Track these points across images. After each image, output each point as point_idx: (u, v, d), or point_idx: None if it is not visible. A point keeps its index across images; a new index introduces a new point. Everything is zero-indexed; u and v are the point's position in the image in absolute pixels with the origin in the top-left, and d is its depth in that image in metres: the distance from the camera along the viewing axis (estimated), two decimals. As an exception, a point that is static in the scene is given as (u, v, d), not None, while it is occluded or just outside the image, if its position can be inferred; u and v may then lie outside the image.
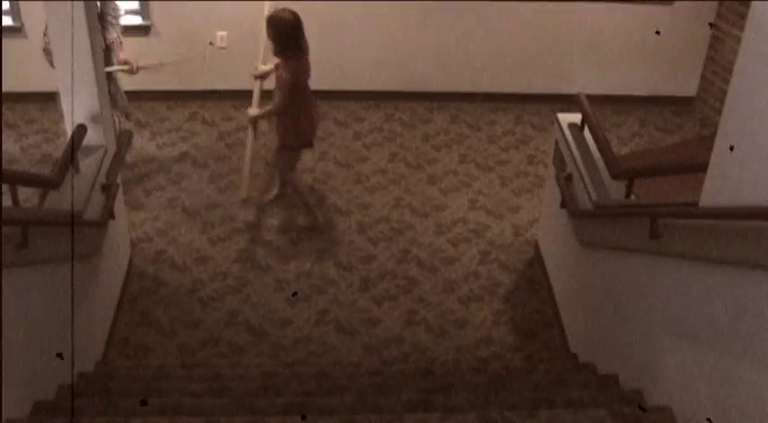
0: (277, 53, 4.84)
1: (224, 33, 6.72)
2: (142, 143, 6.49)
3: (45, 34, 4.96)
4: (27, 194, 4.82)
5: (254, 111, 5.13)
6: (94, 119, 4.36)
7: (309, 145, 5.28)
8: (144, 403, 3.05)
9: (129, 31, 6.73)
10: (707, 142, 3.13)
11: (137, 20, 6.73)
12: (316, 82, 7.31)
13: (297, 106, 4.95)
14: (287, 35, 4.75)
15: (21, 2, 6.51)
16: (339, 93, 6.98)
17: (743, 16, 6.01)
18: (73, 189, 4.02)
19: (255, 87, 5.25)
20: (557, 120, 4.78)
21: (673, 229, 3.24)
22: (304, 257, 5.25)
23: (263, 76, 5.24)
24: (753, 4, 2.67)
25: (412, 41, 6.91)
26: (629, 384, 3.56)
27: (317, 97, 7.07)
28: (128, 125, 5.83)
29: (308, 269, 5.15)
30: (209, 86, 6.95)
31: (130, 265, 5.09)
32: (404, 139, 6.62)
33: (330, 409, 3.31)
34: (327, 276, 5.10)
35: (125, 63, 5.51)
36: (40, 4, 4.14)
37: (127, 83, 6.66)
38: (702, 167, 3.03)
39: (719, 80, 6.74)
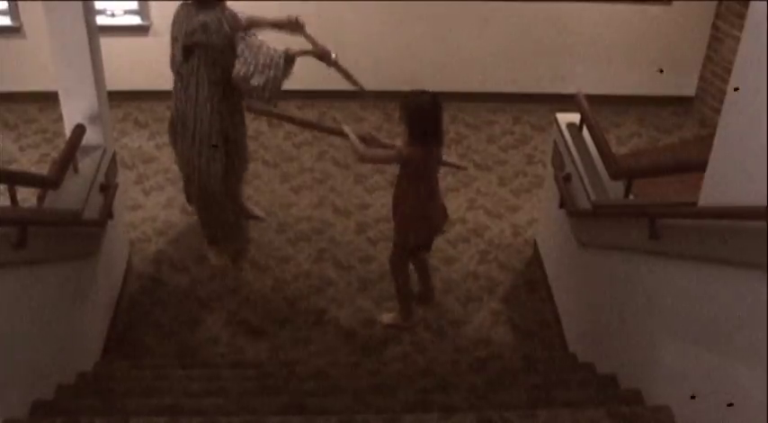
0: (406, 134, 4.16)
1: (223, 33, 6.71)
2: (141, 143, 6.49)
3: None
4: (26, 194, 4.83)
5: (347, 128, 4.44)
6: (93, 119, 4.36)
7: (425, 247, 4.55)
8: None
9: (128, 31, 6.75)
10: (706, 142, 3.13)
11: (135, 20, 6.74)
12: (315, 82, 7.33)
13: (416, 195, 4.22)
14: (417, 121, 4.08)
15: (19, 1, 6.50)
16: (338, 93, 6.97)
17: (742, 16, 6.02)
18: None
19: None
20: (555, 120, 4.78)
21: (672, 229, 3.24)
22: (302, 257, 5.25)
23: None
24: (752, 3, 2.68)
25: (411, 41, 6.91)
26: (628, 384, 3.56)
27: (316, 97, 7.10)
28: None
29: (306, 269, 5.15)
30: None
31: (129, 265, 5.09)
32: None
33: (328, 409, 3.31)
34: (326, 276, 5.10)
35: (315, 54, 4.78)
36: (39, 3, 4.14)
37: (125, 83, 6.68)
38: (701, 167, 3.03)
39: (718, 80, 6.74)
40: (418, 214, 4.26)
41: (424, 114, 4.07)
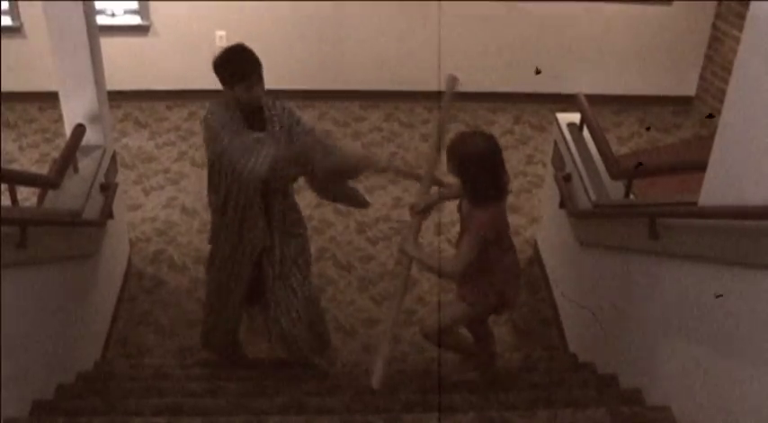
0: (466, 195, 3.29)
1: (223, 33, 6.72)
2: (141, 143, 6.49)
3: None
4: (26, 194, 4.83)
5: (410, 246, 3.34)
6: (93, 119, 4.37)
7: (495, 311, 3.58)
8: None
9: (128, 30, 6.75)
10: (706, 142, 3.13)
11: (135, 20, 6.73)
12: (316, 82, 7.33)
13: (486, 259, 3.33)
14: (478, 173, 3.15)
15: (20, 2, 6.51)
16: (339, 92, 6.99)
17: (742, 16, 6.02)
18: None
19: (414, 221, 3.53)
20: (556, 119, 4.78)
21: (672, 228, 3.24)
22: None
23: (424, 212, 3.53)
24: (752, 4, 2.68)
25: (411, 41, 6.91)
26: (629, 384, 3.56)
27: (316, 97, 7.10)
28: None
29: (307, 269, 5.15)
30: (207, 86, 6.94)
31: (129, 264, 5.08)
32: (403, 139, 6.62)
33: (328, 409, 3.31)
34: (326, 276, 5.10)
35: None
36: (39, 4, 4.14)
37: (125, 83, 6.68)
38: (701, 167, 3.04)
39: (718, 80, 6.74)
40: (497, 272, 3.41)
41: (485, 162, 3.13)
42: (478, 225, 3.20)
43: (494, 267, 3.37)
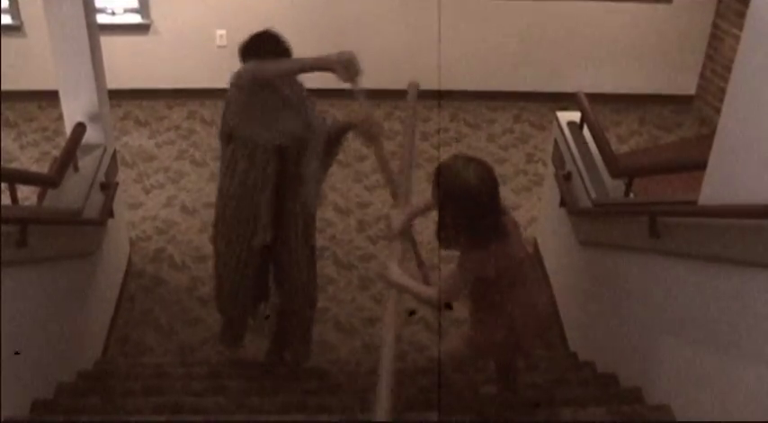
0: (455, 231, 2.69)
1: (223, 32, 6.72)
2: (141, 141, 6.49)
3: None
4: (26, 193, 4.83)
5: (395, 272, 2.81)
6: (93, 117, 4.37)
7: (501, 357, 3.20)
8: None
9: (128, 29, 6.76)
10: (706, 141, 3.13)
11: (136, 18, 6.73)
12: (315, 82, 7.30)
13: (491, 304, 2.82)
14: (465, 209, 2.60)
15: (20, 0, 6.51)
16: (339, 91, 6.97)
17: (742, 15, 6.01)
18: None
19: (394, 245, 2.99)
20: (556, 118, 4.78)
21: (672, 227, 3.24)
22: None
23: (403, 233, 3.03)
24: (752, 2, 2.68)
25: (411, 40, 6.91)
26: (629, 383, 3.56)
27: (318, 96, 7.08)
28: None
29: (307, 268, 5.15)
30: (208, 85, 6.95)
31: (129, 263, 5.09)
32: (403, 138, 6.61)
33: (329, 408, 3.31)
34: (327, 275, 5.10)
35: None
36: (40, 2, 4.14)
37: (126, 82, 6.68)
38: (702, 166, 3.04)
39: (719, 79, 6.74)
40: (504, 320, 2.83)
41: (474, 199, 2.58)
42: (469, 265, 2.67)
43: (502, 306, 2.81)
